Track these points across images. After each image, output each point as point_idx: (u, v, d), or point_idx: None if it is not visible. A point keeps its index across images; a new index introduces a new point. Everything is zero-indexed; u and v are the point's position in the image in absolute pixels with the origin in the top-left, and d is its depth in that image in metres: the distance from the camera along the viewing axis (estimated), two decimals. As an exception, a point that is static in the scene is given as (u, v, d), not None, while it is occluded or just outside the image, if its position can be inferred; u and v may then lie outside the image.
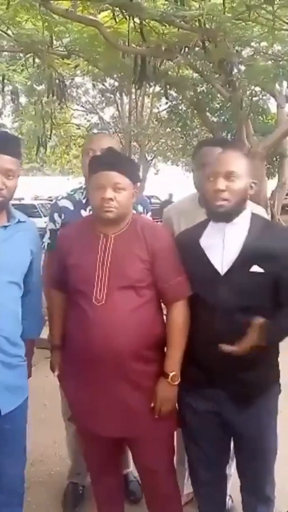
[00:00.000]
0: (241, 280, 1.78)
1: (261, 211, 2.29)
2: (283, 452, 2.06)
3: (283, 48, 5.33)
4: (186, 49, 6.04)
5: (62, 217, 2.36)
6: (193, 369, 1.93)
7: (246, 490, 2.07)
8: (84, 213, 2.31)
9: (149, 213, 2.51)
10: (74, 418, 2.08)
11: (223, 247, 1.86)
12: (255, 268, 1.77)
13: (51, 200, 3.03)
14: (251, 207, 1.96)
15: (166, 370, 1.93)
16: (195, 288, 1.92)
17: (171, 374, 1.92)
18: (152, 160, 20.54)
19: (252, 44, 5.73)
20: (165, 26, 4.93)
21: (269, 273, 1.76)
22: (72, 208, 2.37)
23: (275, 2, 4.10)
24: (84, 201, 2.35)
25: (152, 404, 1.93)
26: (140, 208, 2.45)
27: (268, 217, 9.59)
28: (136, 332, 1.85)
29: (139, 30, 5.08)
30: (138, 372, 1.89)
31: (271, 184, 13.19)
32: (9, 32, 5.59)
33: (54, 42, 5.86)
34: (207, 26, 4.62)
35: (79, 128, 19.62)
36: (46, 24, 4.79)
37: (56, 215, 2.39)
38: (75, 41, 5.41)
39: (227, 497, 2.32)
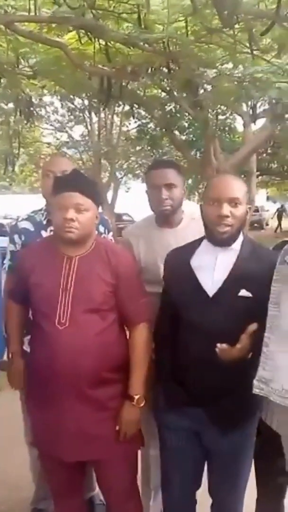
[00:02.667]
0: (229, 303, 1.80)
1: (194, 208, 2.30)
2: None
3: (245, 70, 5.44)
4: (152, 70, 6.13)
5: (22, 239, 2.37)
6: (176, 388, 1.92)
7: (216, 509, 2.07)
8: (45, 233, 2.31)
9: (111, 233, 2.53)
10: (35, 442, 2.05)
11: (214, 269, 1.87)
12: (243, 293, 1.79)
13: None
14: (184, 204, 2.00)
15: (131, 392, 1.93)
16: (183, 309, 1.93)
17: (136, 397, 1.92)
18: (122, 178, 20.63)
19: (217, 65, 5.83)
20: (130, 48, 4.99)
21: (256, 297, 1.78)
22: (32, 229, 2.37)
23: (235, 27, 4.20)
24: (44, 222, 2.35)
25: (117, 427, 1.92)
26: (101, 229, 2.46)
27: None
28: (99, 356, 1.85)
29: (104, 52, 5.13)
30: (101, 394, 1.89)
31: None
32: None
33: (21, 63, 5.88)
34: (170, 48, 4.70)
35: (49, 147, 19.61)
36: (11, 45, 4.80)
37: (16, 237, 2.39)
38: (41, 62, 5.42)
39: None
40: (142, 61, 5.38)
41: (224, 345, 1.67)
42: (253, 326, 1.66)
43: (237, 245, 1.89)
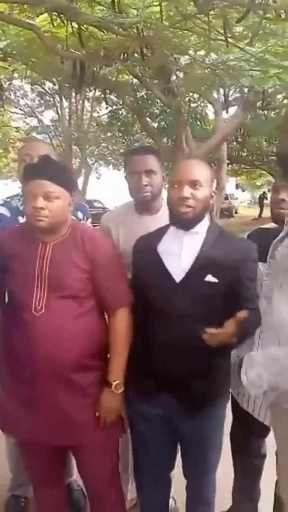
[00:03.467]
0: (196, 288, 1.80)
1: None
2: (223, 452, 2.11)
3: (219, 58, 5.45)
4: (125, 55, 6.07)
5: None
6: (145, 375, 1.93)
7: (190, 490, 2.11)
8: (22, 219, 2.27)
9: (89, 220, 2.51)
10: (8, 427, 2.01)
11: (180, 254, 1.88)
12: (209, 278, 1.80)
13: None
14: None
15: (109, 379, 1.92)
16: (151, 294, 1.93)
17: (114, 383, 1.92)
18: (93, 164, 20.48)
19: (190, 52, 5.82)
20: (104, 32, 4.93)
21: (222, 283, 1.80)
22: (8, 215, 2.33)
23: (210, 13, 4.19)
24: (21, 207, 2.32)
25: (96, 414, 1.92)
26: (80, 215, 2.44)
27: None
28: (77, 342, 1.83)
29: (77, 35, 5.06)
30: (81, 381, 1.88)
31: (210, 189, 13.43)
32: None
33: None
34: (144, 33, 4.66)
35: (18, 131, 19.27)
36: (-19, 26, 4.68)
37: None
38: (12, 45, 5.31)
39: (170, 499, 2.34)
40: (115, 45, 5.32)
41: (213, 330, 1.69)
42: (242, 313, 1.68)
43: (202, 230, 1.90)
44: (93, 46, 5.38)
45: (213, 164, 15.03)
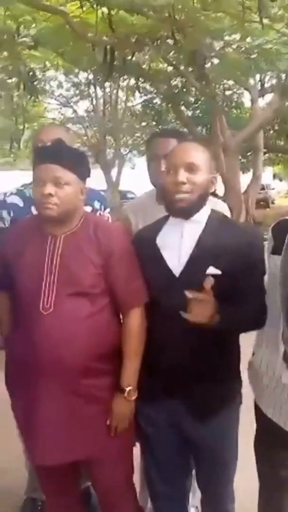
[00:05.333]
0: (197, 282, 1.65)
1: (223, 207, 2.18)
2: (243, 463, 1.94)
3: (254, 41, 5.25)
4: (157, 42, 5.94)
5: (11, 215, 2.20)
6: (148, 379, 1.81)
7: (206, 504, 1.97)
8: (35, 210, 2.15)
9: (107, 209, 2.37)
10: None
11: (180, 246, 1.73)
12: (211, 270, 1.65)
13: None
14: (213, 204, 1.84)
15: (122, 384, 1.77)
16: (150, 290, 1.80)
17: (127, 389, 1.76)
18: (127, 154, 20.39)
19: (224, 36, 5.63)
20: (134, 15, 4.81)
21: (227, 274, 1.64)
22: (21, 204, 2.20)
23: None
24: None
25: (107, 421, 1.78)
26: (97, 205, 2.30)
27: (242, 213, 9.42)
28: (87, 344, 1.69)
29: (107, 21, 4.95)
30: (91, 386, 1.74)
31: (245, 179, 13.19)
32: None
33: (21, 32, 5.70)
34: (176, 16, 4.52)
35: (53, 122, 19.36)
36: (9, 12, 4.63)
37: (4, 213, 2.22)
38: (41, 31, 5.24)
39: (193, 509, 2.22)
40: (146, 30, 5.19)
41: (196, 293, 1.55)
42: (208, 282, 1.54)
43: (202, 218, 1.74)
44: (123, 31, 5.26)
45: (249, 154, 14.71)
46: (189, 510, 2.15)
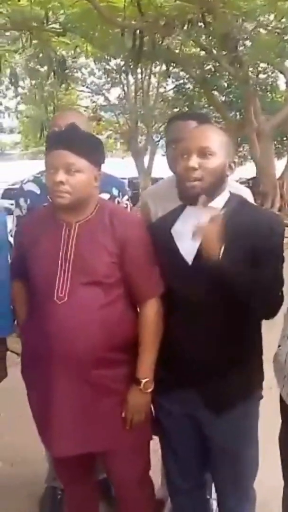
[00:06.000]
0: (209, 269, 1.57)
1: (246, 193, 2.07)
2: (268, 459, 1.85)
3: (287, 22, 5.06)
4: (188, 25, 5.78)
5: (28, 202, 2.16)
6: (163, 370, 1.75)
7: (219, 501, 1.91)
8: None
9: (126, 197, 2.29)
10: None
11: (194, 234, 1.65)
12: (224, 256, 1.57)
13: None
14: (234, 190, 1.75)
15: (138, 376, 1.72)
16: (165, 279, 1.75)
17: (143, 381, 1.71)
18: (159, 141, 20.24)
19: (256, 16, 5.45)
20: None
21: (240, 261, 1.56)
22: (38, 192, 2.14)
23: None
24: None
25: (123, 414, 1.74)
26: (115, 192, 2.22)
27: (277, 199, 9.18)
28: (102, 333, 1.64)
29: (136, 4, 4.85)
30: (105, 377, 1.70)
31: (280, 164, 12.88)
32: (3, 10, 5.40)
33: (50, 19, 5.65)
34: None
35: (86, 110, 19.36)
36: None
37: (21, 200, 2.17)
38: (69, 17, 5.19)
39: (213, 501, 2.16)
40: (175, 13, 5.06)
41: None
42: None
43: (218, 205, 1.65)
44: (152, 14, 5.15)
45: (284, 139, 14.36)
46: (211, 503, 2.09)
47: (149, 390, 1.72)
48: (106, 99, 17.97)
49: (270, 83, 12.53)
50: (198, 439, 1.79)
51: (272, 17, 6.24)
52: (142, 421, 1.74)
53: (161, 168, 19.99)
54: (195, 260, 1.60)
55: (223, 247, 1.54)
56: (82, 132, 1.72)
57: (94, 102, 18.55)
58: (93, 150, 1.68)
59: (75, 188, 1.61)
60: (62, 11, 5.35)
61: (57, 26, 5.92)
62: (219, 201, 1.64)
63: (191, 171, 1.57)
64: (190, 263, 1.62)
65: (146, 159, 17.43)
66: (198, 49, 10.27)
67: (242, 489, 1.82)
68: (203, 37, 8.29)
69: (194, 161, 1.57)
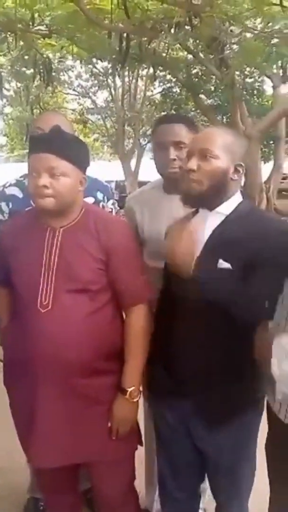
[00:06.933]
0: (207, 276, 1.54)
1: None
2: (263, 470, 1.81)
3: (274, 25, 5.05)
4: (175, 28, 5.75)
5: (10, 206, 2.11)
6: (162, 375, 1.71)
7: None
8: None
9: (111, 201, 2.26)
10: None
11: (200, 239, 1.62)
12: (222, 264, 1.54)
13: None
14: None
15: (124, 385, 1.68)
16: (167, 284, 1.72)
17: (129, 390, 1.68)
18: (146, 144, 20.22)
19: (242, 20, 5.43)
20: (149, 0, 4.66)
21: (238, 269, 1.53)
22: (20, 196, 2.11)
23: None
24: None
25: (108, 424, 1.70)
26: (99, 196, 2.19)
27: (263, 203, 9.25)
28: (87, 342, 1.61)
29: (122, 7, 4.80)
30: (92, 386, 1.66)
31: (267, 168, 12.94)
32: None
33: (36, 20, 5.58)
34: (193, 0, 4.36)
35: (73, 113, 19.25)
36: (24, 1, 4.52)
37: (3, 204, 2.13)
38: (55, 19, 5.13)
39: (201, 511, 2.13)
40: (162, 15, 5.02)
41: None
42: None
43: (226, 210, 1.62)
44: (139, 18, 5.10)
45: (271, 142, 14.41)
46: None
47: (136, 399, 1.68)
48: (93, 102, 17.94)
49: (256, 87, 12.58)
50: (195, 449, 1.75)
51: (258, 21, 6.21)
52: (128, 432, 1.70)
53: (148, 171, 19.97)
54: (195, 265, 1.57)
55: (194, 258, 1.50)
56: (67, 134, 1.69)
57: (81, 105, 18.50)
58: (78, 153, 1.64)
59: (59, 193, 1.57)
60: (48, 13, 5.28)
61: (43, 28, 5.85)
62: (227, 207, 1.61)
63: (190, 173, 1.55)
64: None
65: (133, 162, 17.41)
66: (185, 52, 10.27)
67: (235, 504, 1.79)
68: (190, 40, 8.28)
69: (193, 162, 1.54)
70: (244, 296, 1.52)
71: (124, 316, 1.77)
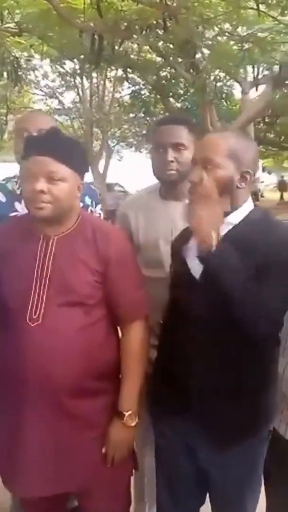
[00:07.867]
0: (215, 285, 1.44)
1: None
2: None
3: (248, 29, 5.03)
4: (147, 30, 5.67)
5: None
6: (166, 389, 1.60)
7: None
8: (19, 205, 1.92)
9: (99, 206, 2.15)
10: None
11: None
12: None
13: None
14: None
15: (121, 408, 1.56)
16: (172, 294, 1.63)
17: (126, 414, 1.55)
18: (114, 146, 20.11)
19: (218, 24, 5.39)
20: (123, 1, 4.56)
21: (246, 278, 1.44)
22: (3, 200, 1.98)
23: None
24: (18, 191, 1.97)
25: (103, 450, 1.57)
26: (88, 201, 2.08)
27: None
28: (79, 360, 1.47)
29: (95, 6, 4.70)
30: (84, 408, 1.52)
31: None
32: None
33: (5, 18, 5.41)
34: (167, 2, 4.28)
35: (40, 113, 18.99)
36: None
37: None
38: (26, 17, 4.98)
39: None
40: (136, 16, 4.94)
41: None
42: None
43: (235, 220, 1.54)
44: (112, 17, 5.00)
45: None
46: None
47: (133, 423, 1.56)
48: (60, 102, 17.70)
49: (225, 91, 12.64)
50: (195, 470, 1.64)
51: (228, 25, 6.20)
52: (124, 458, 1.57)
53: (116, 173, 19.90)
54: (202, 275, 1.48)
55: (216, 236, 1.41)
56: (65, 137, 1.56)
57: (48, 105, 18.23)
58: (77, 157, 1.51)
59: (57, 198, 1.45)
60: (18, 11, 5.12)
61: (12, 25, 5.68)
62: (236, 216, 1.51)
63: (191, 183, 1.47)
64: (197, 277, 1.49)
65: (101, 164, 17.29)
66: (155, 55, 10.23)
67: None
68: (161, 42, 8.24)
69: (195, 174, 1.47)
70: (253, 305, 1.43)
71: (120, 332, 1.65)
